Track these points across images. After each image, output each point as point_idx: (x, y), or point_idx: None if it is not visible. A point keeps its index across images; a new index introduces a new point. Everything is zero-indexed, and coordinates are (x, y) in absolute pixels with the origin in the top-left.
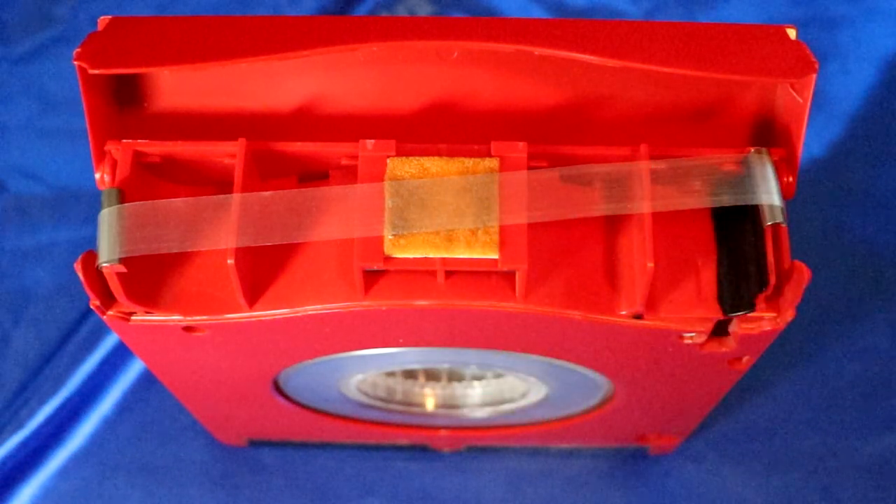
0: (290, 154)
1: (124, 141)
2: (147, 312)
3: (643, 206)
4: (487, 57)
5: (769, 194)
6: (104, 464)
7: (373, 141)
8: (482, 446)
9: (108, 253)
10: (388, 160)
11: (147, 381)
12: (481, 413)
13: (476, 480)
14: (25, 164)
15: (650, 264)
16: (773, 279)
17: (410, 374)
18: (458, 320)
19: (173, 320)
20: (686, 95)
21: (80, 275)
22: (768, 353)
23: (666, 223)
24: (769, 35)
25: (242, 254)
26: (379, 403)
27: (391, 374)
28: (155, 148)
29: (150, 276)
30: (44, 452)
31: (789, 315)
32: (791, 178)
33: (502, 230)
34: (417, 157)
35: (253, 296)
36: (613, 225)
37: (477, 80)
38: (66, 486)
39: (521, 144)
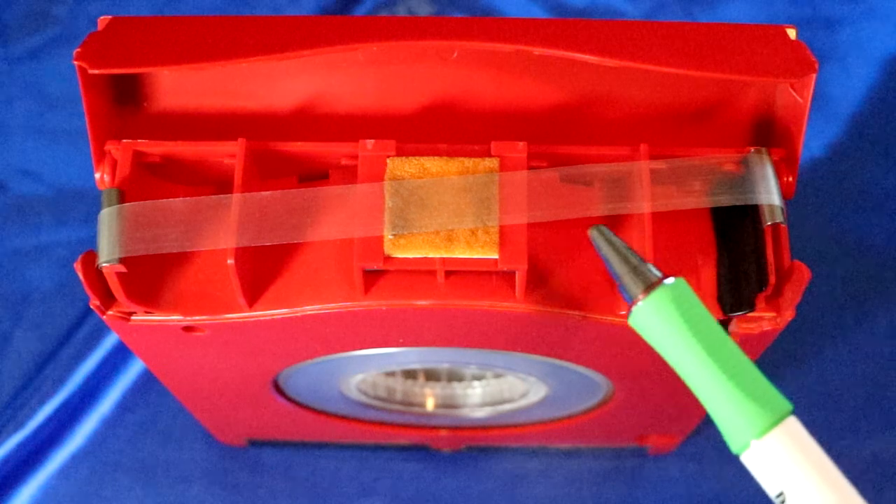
0: (290, 154)
1: (124, 141)
2: (147, 312)
3: (643, 205)
4: (487, 57)
5: (769, 194)
6: (104, 464)
7: (373, 141)
8: (482, 446)
9: (108, 253)
10: (388, 160)
11: (147, 381)
12: (481, 413)
13: (476, 480)
14: (25, 164)
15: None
16: (773, 279)
17: (410, 374)
18: (458, 320)
19: (173, 320)
20: (686, 95)
21: (80, 275)
22: (768, 352)
23: (666, 223)
24: (769, 35)
25: (242, 254)
26: (379, 403)
27: (391, 374)
28: (155, 148)
29: (150, 276)
30: (44, 452)
31: (789, 315)
32: (791, 178)
33: (502, 230)
34: (417, 157)
35: (253, 296)
36: (613, 225)
37: (477, 80)
38: (66, 486)
39: (521, 144)
